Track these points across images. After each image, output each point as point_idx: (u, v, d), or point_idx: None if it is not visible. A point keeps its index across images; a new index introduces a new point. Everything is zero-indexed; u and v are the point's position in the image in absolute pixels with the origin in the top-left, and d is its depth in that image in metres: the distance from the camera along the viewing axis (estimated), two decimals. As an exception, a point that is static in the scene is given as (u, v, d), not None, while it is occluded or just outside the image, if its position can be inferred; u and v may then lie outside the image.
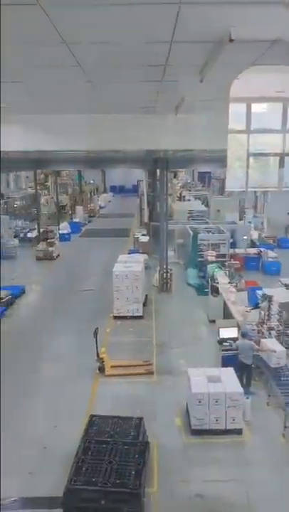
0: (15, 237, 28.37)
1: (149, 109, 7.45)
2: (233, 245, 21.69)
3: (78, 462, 6.96)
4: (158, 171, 28.26)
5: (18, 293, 17.98)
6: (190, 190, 42.85)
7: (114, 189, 66.46)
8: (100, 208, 47.71)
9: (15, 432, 9.15)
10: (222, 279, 15.68)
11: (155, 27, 3.23)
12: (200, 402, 8.89)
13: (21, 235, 29.41)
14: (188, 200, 35.97)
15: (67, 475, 7.01)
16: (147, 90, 5.71)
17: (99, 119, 7.96)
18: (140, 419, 8.50)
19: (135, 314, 15.48)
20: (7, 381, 11.20)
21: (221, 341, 11.63)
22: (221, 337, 11.76)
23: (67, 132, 8.04)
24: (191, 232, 21.24)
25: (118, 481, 6.55)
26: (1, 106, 7.32)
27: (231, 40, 3.61)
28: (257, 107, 9.09)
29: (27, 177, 49.67)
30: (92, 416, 8.65)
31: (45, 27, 3.10)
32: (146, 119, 7.90)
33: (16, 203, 37.15)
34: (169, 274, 18.53)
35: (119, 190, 66.39)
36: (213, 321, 13.72)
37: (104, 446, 7.38)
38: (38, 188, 31.80)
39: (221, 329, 11.98)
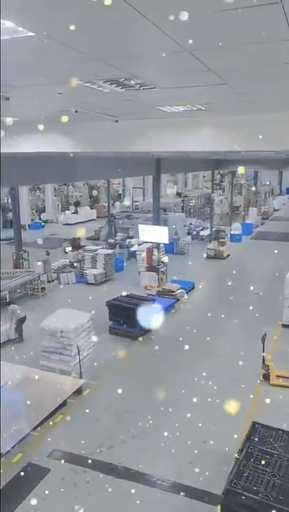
0: (188, 234, 29.56)
1: None
2: None
3: (240, 466, 6.87)
4: None
5: (189, 288, 18.65)
6: None
7: (290, 191, 63.20)
8: (274, 210, 45.97)
9: (180, 422, 9.59)
10: None
11: None
12: None
13: (194, 232, 30.47)
14: None
15: (221, 472, 7.02)
16: None
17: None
18: (308, 438, 7.92)
19: (306, 326, 14.52)
20: (173, 374, 11.78)
21: None
22: None
23: (259, 132, 7.88)
24: None
25: (281, 498, 6.24)
26: (193, 108, 7.61)
27: None
28: None
29: (204, 177, 51.20)
30: (254, 423, 8.43)
31: (279, 26, 3.03)
32: None
33: (191, 201, 38.64)
34: None
35: (296, 192, 62.74)
36: None
37: (267, 457, 7.12)
38: (213, 188, 32.41)
39: None
